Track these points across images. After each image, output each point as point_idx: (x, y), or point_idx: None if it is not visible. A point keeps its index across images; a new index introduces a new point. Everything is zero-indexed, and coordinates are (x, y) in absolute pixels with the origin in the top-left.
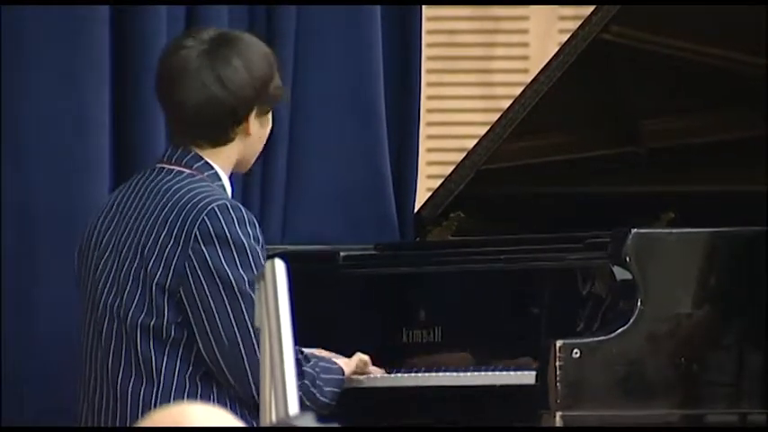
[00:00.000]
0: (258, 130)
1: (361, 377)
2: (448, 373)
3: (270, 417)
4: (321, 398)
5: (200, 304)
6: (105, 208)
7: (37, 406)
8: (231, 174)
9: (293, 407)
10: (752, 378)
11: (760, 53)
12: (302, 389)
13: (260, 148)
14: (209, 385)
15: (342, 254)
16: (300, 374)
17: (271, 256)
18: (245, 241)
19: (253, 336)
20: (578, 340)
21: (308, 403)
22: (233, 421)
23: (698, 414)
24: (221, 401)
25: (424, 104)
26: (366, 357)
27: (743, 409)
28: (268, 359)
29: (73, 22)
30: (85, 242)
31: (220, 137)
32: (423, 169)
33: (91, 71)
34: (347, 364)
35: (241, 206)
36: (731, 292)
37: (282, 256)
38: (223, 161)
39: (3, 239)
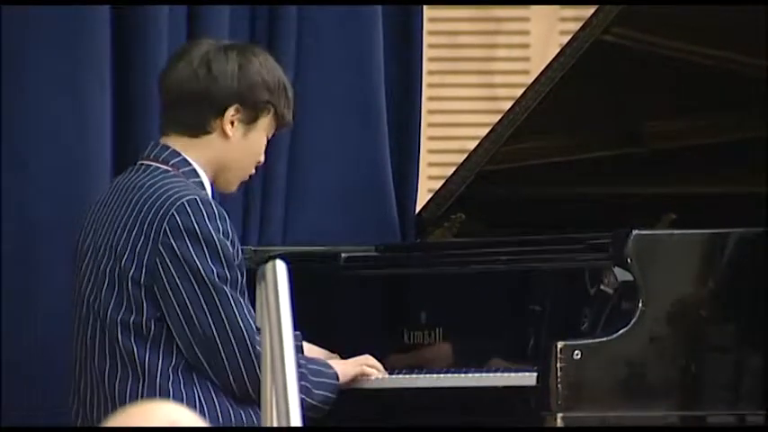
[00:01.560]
0: (240, 139)
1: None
2: (449, 375)
3: (271, 416)
4: (307, 399)
5: (173, 298)
6: (92, 208)
7: (37, 406)
8: (213, 187)
9: (294, 409)
10: (752, 379)
11: (760, 55)
12: None
13: (244, 163)
14: (192, 377)
15: (343, 255)
16: None
17: (272, 257)
18: (214, 235)
19: (228, 327)
20: (579, 341)
21: None
22: (198, 421)
23: (699, 415)
24: (205, 392)
25: (425, 105)
26: (376, 364)
27: (743, 411)
28: (269, 359)
29: (73, 22)
30: (75, 243)
31: (196, 125)
32: (424, 170)
33: (91, 71)
34: (344, 373)
35: (212, 201)
36: (732, 294)
37: (283, 256)
38: (200, 156)
39: (2, 240)
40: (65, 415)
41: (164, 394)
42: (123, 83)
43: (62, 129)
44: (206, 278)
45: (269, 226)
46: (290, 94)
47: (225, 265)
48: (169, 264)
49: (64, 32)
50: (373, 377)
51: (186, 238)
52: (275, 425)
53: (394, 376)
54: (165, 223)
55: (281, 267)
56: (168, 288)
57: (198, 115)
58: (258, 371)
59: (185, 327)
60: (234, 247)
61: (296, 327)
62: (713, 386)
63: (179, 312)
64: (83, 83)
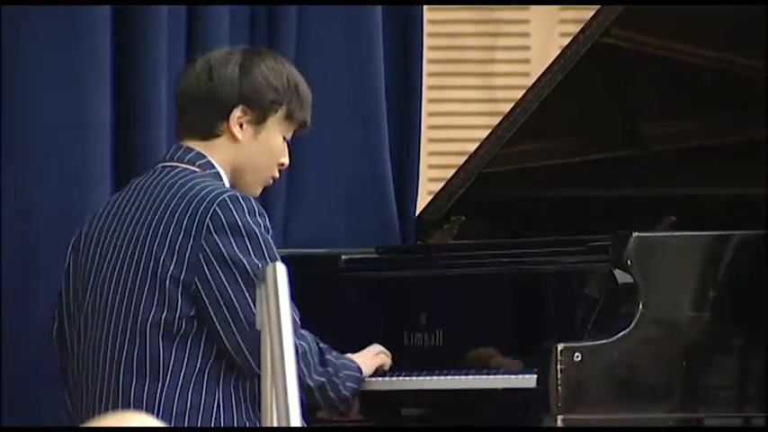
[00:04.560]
0: (250, 140)
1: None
2: (449, 376)
3: (271, 419)
4: (343, 391)
5: (217, 292)
6: (105, 209)
7: (37, 406)
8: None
9: (294, 411)
10: (753, 381)
11: (760, 56)
12: (326, 376)
13: (259, 165)
14: (215, 382)
15: (343, 257)
16: (324, 363)
17: None
18: (256, 230)
19: None
20: (580, 343)
21: (331, 394)
22: None
23: (699, 417)
24: (227, 399)
25: (426, 107)
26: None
27: (744, 413)
28: (269, 361)
29: (73, 22)
30: (84, 243)
31: (205, 128)
32: (424, 172)
33: (91, 71)
34: (367, 366)
35: (250, 197)
36: (732, 296)
37: (283, 258)
38: (217, 159)
39: (2, 240)
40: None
41: (181, 398)
42: (123, 83)
43: (62, 129)
44: (249, 271)
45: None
46: (302, 93)
47: (268, 258)
48: (212, 259)
49: (64, 32)
50: (387, 365)
51: (229, 234)
52: (275, 425)
53: (394, 378)
54: (207, 219)
55: (281, 269)
56: (211, 281)
57: (205, 119)
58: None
59: (229, 318)
60: (274, 242)
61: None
62: (713, 389)
63: (223, 304)
64: (83, 83)
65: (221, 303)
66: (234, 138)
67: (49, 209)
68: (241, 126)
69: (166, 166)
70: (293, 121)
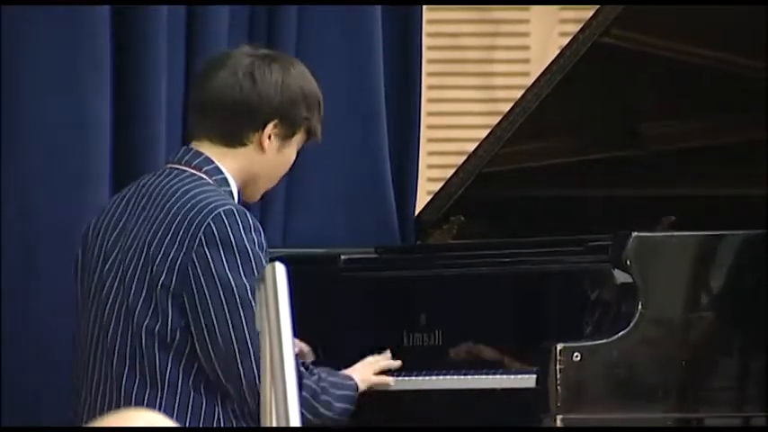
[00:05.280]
0: (275, 153)
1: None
2: (449, 377)
3: (270, 420)
4: (326, 412)
5: (199, 307)
6: (113, 207)
7: (37, 406)
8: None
9: (294, 411)
10: (753, 381)
11: (760, 56)
12: (299, 401)
13: (273, 175)
14: (213, 395)
15: (342, 257)
16: (299, 387)
17: (271, 260)
18: (249, 247)
19: (249, 342)
20: (579, 343)
21: (309, 416)
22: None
23: (699, 417)
24: (225, 412)
25: (426, 107)
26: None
27: (744, 413)
28: (268, 362)
29: (73, 22)
30: (91, 240)
31: (234, 135)
32: (423, 172)
33: (91, 71)
34: (364, 381)
35: (247, 212)
36: (732, 296)
37: (283, 259)
38: (231, 166)
39: (2, 240)
40: (65, 415)
41: (182, 407)
42: (123, 83)
43: (62, 129)
44: (234, 290)
45: (269, 228)
46: (322, 107)
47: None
48: (200, 273)
49: (64, 32)
50: (392, 382)
51: (221, 249)
52: (275, 425)
53: (394, 379)
54: (200, 232)
55: (280, 270)
56: (195, 295)
57: (237, 126)
58: None
59: (206, 336)
60: (267, 260)
61: (295, 329)
62: (712, 388)
63: (202, 321)
64: (83, 83)
65: (201, 319)
66: (261, 149)
67: (49, 209)
68: (269, 138)
69: (174, 169)
70: (312, 135)
